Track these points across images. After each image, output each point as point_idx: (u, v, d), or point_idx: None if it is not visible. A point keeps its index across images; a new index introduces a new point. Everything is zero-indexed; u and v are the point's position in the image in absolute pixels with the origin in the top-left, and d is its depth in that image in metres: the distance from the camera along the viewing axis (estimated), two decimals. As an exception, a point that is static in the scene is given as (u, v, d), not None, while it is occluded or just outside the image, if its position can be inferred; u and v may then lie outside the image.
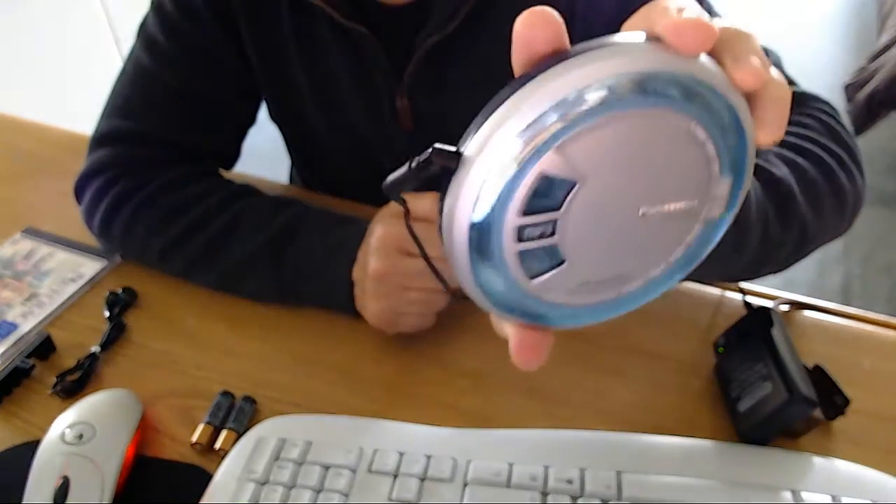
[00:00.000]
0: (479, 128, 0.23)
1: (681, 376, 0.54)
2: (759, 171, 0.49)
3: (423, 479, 0.45)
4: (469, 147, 0.24)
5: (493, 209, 0.24)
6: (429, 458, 0.47)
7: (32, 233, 0.70)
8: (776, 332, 0.50)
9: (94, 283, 0.64)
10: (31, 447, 0.47)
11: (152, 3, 0.65)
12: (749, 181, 0.27)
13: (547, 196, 0.24)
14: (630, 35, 0.24)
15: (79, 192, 0.65)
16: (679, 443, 0.48)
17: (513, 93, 0.23)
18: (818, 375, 0.49)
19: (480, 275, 0.26)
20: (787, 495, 0.44)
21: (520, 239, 0.24)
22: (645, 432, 0.49)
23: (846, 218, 0.56)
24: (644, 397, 0.53)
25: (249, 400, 0.52)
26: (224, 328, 0.59)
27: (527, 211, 0.24)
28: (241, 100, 0.69)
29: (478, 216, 0.24)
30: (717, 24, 0.24)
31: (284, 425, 0.50)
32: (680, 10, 0.24)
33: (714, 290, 0.61)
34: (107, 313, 0.60)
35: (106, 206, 0.62)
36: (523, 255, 0.25)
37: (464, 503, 0.44)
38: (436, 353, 0.56)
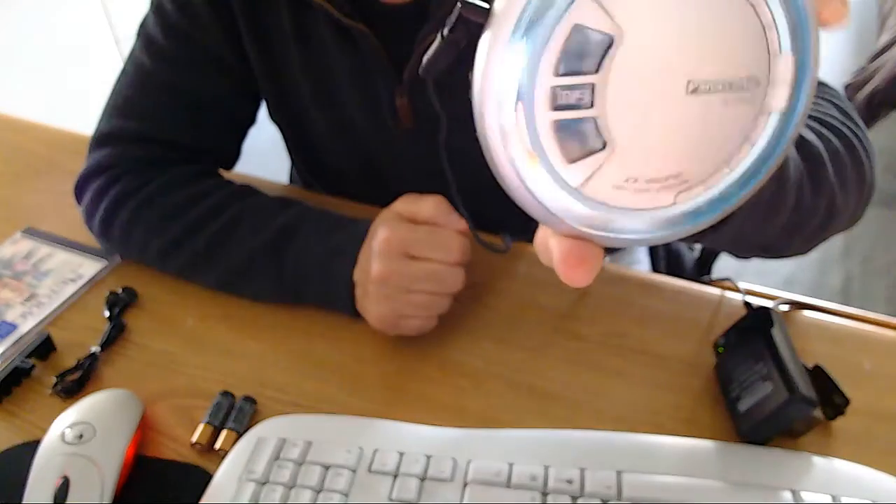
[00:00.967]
0: None
1: (681, 376, 0.54)
2: None
3: (423, 479, 0.45)
4: (499, 0, 0.22)
5: (525, 69, 0.22)
6: (429, 457, 0.47)
7: (32, 233, 0.70)
8: (776, 332, 0.50)
9: (93, 283, 0.64)
10: (32, 447, 0.47)
11: (152, 3, 0.65)
12: (816, 69, 0.24)
13: (583, 56, 0.22)
14: None
15: (79, 192, 0.65)
16: (679, 443, 0.48)
17: None
18: (818, 375, 0.49)
19: (516, 157, 0.23)
20: (787, 495, 0.44)
21: (554, 106, 0.22)
22: (645, 432, 0.49)
23: (864, 197, 0.55)
24: (644, 397, 0.53)
25: (249, 400, 0.52)
26: (224, 328, 0.59)
27: (562, 71, 0.22)
28: (241, 99, 0.69)
29: (509, 78, 0.22)
30: None
31: (284, 425, 0.50)
32: None
33: (714, 290, 0.61)
34: (107, 313, 0.60)
35: (106, 206, 0.62)
36: (560, 131, 0.23)
37: (464, 503, 0.44)
38: (436, 353, 0.56)
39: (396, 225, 0.54)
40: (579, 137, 0.23)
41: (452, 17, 0.24)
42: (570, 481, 0.44)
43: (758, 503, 0.44)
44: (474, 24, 0.23)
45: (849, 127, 0.54)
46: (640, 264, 0.83)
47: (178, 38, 0.63)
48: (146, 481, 0.48)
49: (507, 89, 0.23)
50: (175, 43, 0.64)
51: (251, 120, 0.72)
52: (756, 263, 1.79)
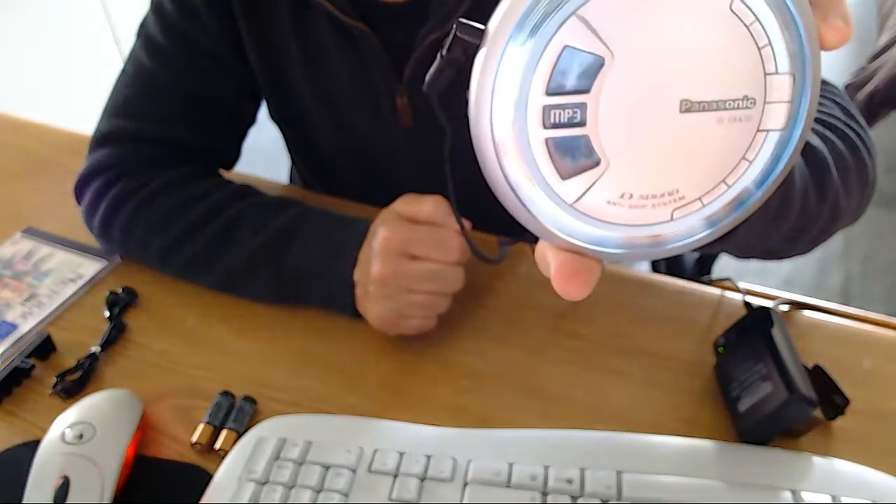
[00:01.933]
0: (501, 1, 0.22)
1: (681, 376, 0.54)
2: None
3: (423, 479, 0.45)
4: (493, 20, 0.23)
5: (516, 88, 0.22)
6: (429, 457, 0.47)
7: (32, 233, 0.70)
8: (776, 332, 0.50)
9: (94, 283, 0.64)
10: (32, 447, 0.47)
11: (152, 2, 0.65)
12: (816, 93, 0.24)
13: (575, 76, 0.22)
14: None
15: (79, 192, 0.65)
16: (679, 443, 0.48)
17: None
18: (818, 375, 0.49)
19: (510, 172, 0.24)
20: (787, 495, 0.44)
21: (546, 124, 0.23)
22: (645, 432, 0.49)
23: (866, 197, 0.55)
24: (644, 397, 0.53)
25: (249, 400, 0.52)
26: (224, 328, 0.59)
27: (552, 90, 0.22)
28: (241, 99, 0.69)
29: (501, 96, 0.23)
30: None
31: (284, 425, 0.50)
32: None
33: (714, 290, 0.61)
34: (107, 313, 0.60)
35: (106, 207, 0.62)
36: (553, 148, 0.23)
37: (464, 503, 0.44)
38: (436, 353, 0.56)
39: (396, 225, 0.54)
40: (572, 154, 0.23)
41: (450, 37, 0.25)
42: (569, 481, 0.44)
43: (758, 503, 0.44)
44: (470, 43, 0.24)
45: (851, 127, 0.54)
46: (640, 264, 0.83)
47: (177, 38, 0.63)
48: (146, 481, 0.48)
49: (499, 107, 0.23)
50: (175, 43, 0.64)
51: (251, 120, 0.72)
52: (756, 263, 1.79)
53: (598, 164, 0.24)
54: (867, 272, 1.76)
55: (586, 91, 0.23)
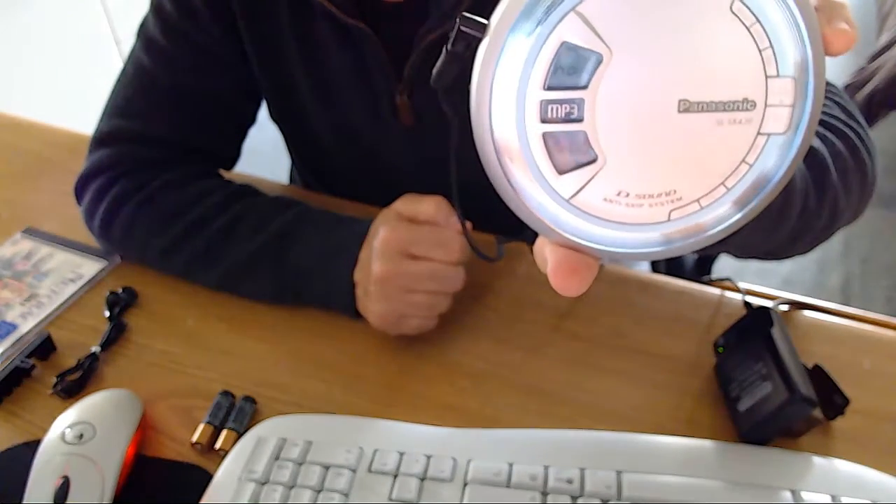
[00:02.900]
0: None
1: (681, 376, 0.54)
2: None
3: (423, 479, 0.45)
4: (495, 14, 0.23)
5: (515, 83, 0.23)
6: (429, 457, 0.47)
7: (32, 233, 0.70)
8: (776, 332, 0.50)
9: (94, 283, 0.64)
10: (32, 447, 0.47)
11: (152, 3, 0.65)
12: (819, 98, 0.24)
13: (573, 72, 0.22)
14: None
15: (79, 192, 0.65)
16: (679, 443, 0.48)
17: None
18: (818, 375, 0.49)
19: (508, 166, 0.24)
20: (787, 495, 0.44)
21: (544, 119, 0.23)
22: (645, 432, 0.49)
23: (865, 196, 0.55)
24: (644, 397, 0.53)
25: (249, 400, 0.52)
26: (224, 328, 0.59)
27: (550, 85, 0.23)
28: (242, 99, 0.69)
29: (500, 90, 0.23)
30: None
31: (284, 425, 0.50)
32: None
33: (714, 290, 0.61)
34: (107, 313, 0.60)
35: (106, 207, 0.62)
36: (550, 143, 0.23)
37: (464, 503, 0.44)
38: (436, 353, 0.56)
39: (397, 225, 0.54)
40: (569, 150, 0.24)
41: (454, 32, 0.25)
42: (570, 481, 0.45)
43: (758, 503, 0.44)
44: (473, 37, 0.24)
45: (851, 127, 0.54)
46: (640, 264, 0.83)
47: (177, 38, 0.63)
48: (146, 481, 0.48)
49: (498, 100, 0.23)
50: (175, 43, 0.64)
51: (251, 120, 0.72)
52: (756, 263, 1.79)
53: (595, 160, 0.24)
54: (867, 272, 1.77)
55: (584, 87, 0.23)
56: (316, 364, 0.56)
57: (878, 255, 1.80)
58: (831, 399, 0.48)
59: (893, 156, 1.99)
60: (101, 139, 0.65)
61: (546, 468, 0.45)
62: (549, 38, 0.22)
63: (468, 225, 0.54)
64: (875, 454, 0.48)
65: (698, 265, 0.93)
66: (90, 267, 0.66)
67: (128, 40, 0.68)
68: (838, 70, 0.57)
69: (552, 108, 0.23)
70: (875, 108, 0.88)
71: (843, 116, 0.54)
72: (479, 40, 0.24)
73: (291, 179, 0.90)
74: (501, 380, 0.54)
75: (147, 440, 0.51)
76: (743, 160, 0.24)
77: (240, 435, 0.50)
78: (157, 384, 0.55)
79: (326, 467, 0.46)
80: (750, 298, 0.58)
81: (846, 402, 0.48)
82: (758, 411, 0.47)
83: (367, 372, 0.55)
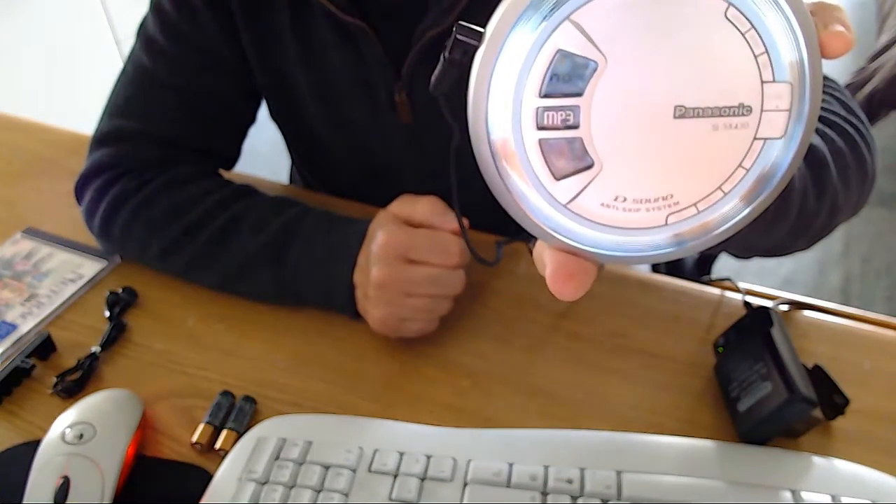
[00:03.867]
0: (499, 4, 0.23)
1: (681, 376, 0.54)
2: None
3: (423, 479, 0.45)
4: (491, 23, 0.23)
5: (511, 90, 0.23)
6: (429, 457, 0.47)
7: (32, 233, 0.70)
8: (776, 332, 0.50)
9: (94, 283, 0.64)
10: (32, 447, 0.47)
11: (151, 3, 0.65)
12: (817, 102, 0.24)
13: (569, 79, 0.23)
14: None
15: (79, 192, 0.65)
16: (679, 442, 0.48)
17: None
18: (818, 375, 0.49)
19: (506, 172, 0.24)
20: (787, 495, 0.44)
21: (540, 126, 0.23)
22: (645, 432, 0.49)
23: (865, 192, 0.55)
24: (644, 397, 0.53)
25: (249, 400, 0.52)
26: (224, 328, 0.59)
27: (546, 93, 0.23)
28: (241, 99, 0.69)
29: (497, 97, 0.23)
30: None
31: (284, 425, 0.50)
32: None
33: (714, 290, 0.61)
34: (107, 313, 0.60)
35: (106, 206, 0.62)
36: (547, 149, 0.24)
37: (464, 503, 0.44)
38: (436, 352, 0.56)
39: (394, 229, 0.54)
40: (566, 156, 0.24)
41: (450, 40, 0.25)
42: (569, 481, 0.45)
43: (758, 503, 0.44)
44: (469, 45, 0.24)
45: (851, 122, 0.53)
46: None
47: (177, 37, 0.63)
48: (146, 481, 0.48)
49: (495, 107, 0.24)
50: (174, 42, 0.64)
51: (251, 119, 0.72)
52: (756, 263, 1.79)
53: (591, 166, 0.24)
54: (867, 272, 1.77)
55: (579, 94, 0.23)
56: (316, 364, 0.56)
57: (878, 255, 1.80)
58: (831, 399, 0.49)
59: (893, 155, 1.99)
60: (102, 139, 0.66)
61: (546, 468, 0.45)
62: (545, 47, 0.22)
63: (465, 224, 0.54)
64: (875, 454, 0.48)
65: (698, 265, 0.93)
66: (90, 267, 0.66)
67: (128, 40, 0.69)
68: (838, 70, 0.57)
69: (548, 115, 0.23)
70: (875, 107, 0.88)
71: (842, 112, 0.54)
72: (476, 48, 0.24)
73: (291, 179, 0.90)
74: (501, 380, 0.54)
75: (147, 440, 0.51)
76: (740, 165, 0.25)
77: (240, 435, 0.50)
78: (157, 384, 0.55)
79: (326, 467, 0.46)
80: (750, 298, 0.58)
81: (846, 402, 0.48)
82: (758, 411, 0.47)
83: (367, 372, 0.55)
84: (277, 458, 0.47)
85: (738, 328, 0.53)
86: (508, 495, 0.44)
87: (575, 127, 0.23)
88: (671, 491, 0.44)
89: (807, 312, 0.59)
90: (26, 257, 0.67)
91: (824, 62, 0.24)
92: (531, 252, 0.29)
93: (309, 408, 0.53)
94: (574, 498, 0.44)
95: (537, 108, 0.23)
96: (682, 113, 0.23)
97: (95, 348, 0.57)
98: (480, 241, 0.62)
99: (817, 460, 0.47)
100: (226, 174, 0.69)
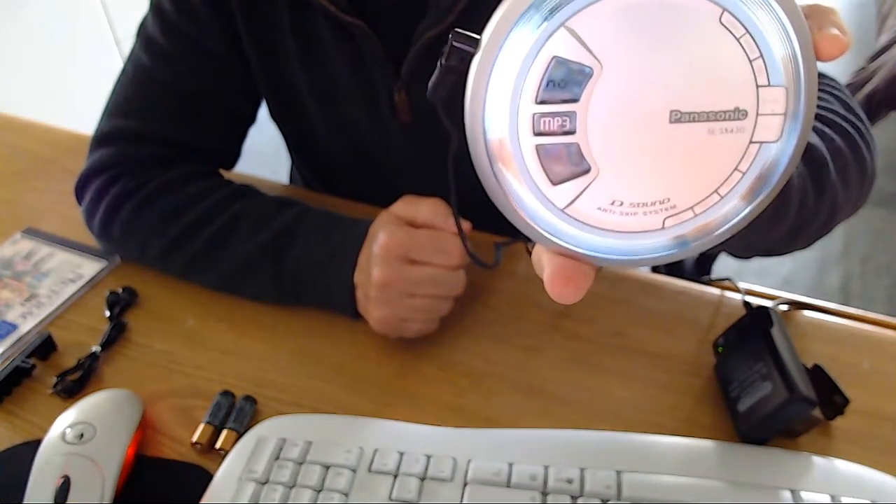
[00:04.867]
0: (495, 10, 0.23)
1: (680, 376, 0.54)
2: None
3: (423, 479, 0.46)
4: (487, 30, 0.23)
5: (507, 96, 0.23)
6: (429, 457, 0.47)
7: (32, 233, 0.70)
8: (776, 332, 0.50)
9: (93, 283, 0.64)
10: (32, 447, 0.47)
11: (151, 3, 0.65)
12: (812, 105, 0.24)
13: (564, 85, 0.23)
14: None
15: (79, 192, 0.65)
16: (679, 442, 0.48)
17: None
18: (817, 375, 0.49)
19: (504, 177, 0.25)
20: (787, 495, 0.44)
21: (537, 132, 0.23)
22: (645, 432, 0.49)
23: (865, 190, 0.55)
24: (644, 397, 0.53)
25: (250, 400, 0.52)
26: (224, 328, 0.59)
27: (542, 99, 0.23)
28: (241, 99, 0.69)
29: (493, 104, 0.23)
30: None
31: (285, 425, 0.50)
32: None
33: (714, 290, 0.61)
34: (107, 313, 0.60)
35: (106, 206, 0.62)
36: (543, 155, 0.24)
37: (464, 503, 0.44)
38: (436, 352, 0.56)
39: (396, 229, 0.54)
40: (563, 161, 0.24)
41: (447, 47, 0.25)
42: (569, 481, 0.45)
43: (757, 503, 0.44)
44: (466, 51, 0.24)
45: (850, 121, 0.53)
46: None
47: (177, 37, 0.63)
48: (147, 481, 0.48)
49: (492, 113, 0.24)
50: (174, 42, 0.64)
51: (251, 119, 0.72)
52: (756, 263, 1.79)
53: (588, 171, 0.24)
54: (866, 272, 1.77)
55: (576, 100, 0.23)
56: (316, 364, 0.56)
57: (877, 255, 1.81)
58: (831, 399, 0.49)
59: (893, 155, 1.99)
60: (101, 139, 0.66)
61: (546, 468, 0.45)
62: (541, 53, 0.23)
63: (467, 227, 0.54)
64: (874, 454, 0.48)
65: (698, 265, 0.93)
66: (90, 267, 0.66)
67: (128, 40, 0.69)
68: (838, 70, 0.57)
69: (545, 121, 0.23)
70: (875, 107, 0.88)
71: (842, 111, 0.54)
72: (472, 54, 0.24)
73: (291, 179, 0.90)
74: (501, 379, 0.54)
75: (147, 440, 0.51)
76: (736, 168, 0.25)
77: (240, 435, 0.50)
78: (157, 384, 0.55)
79: (326, 467, 0.46)
80: (750, 298, 0.58)
81: (846, 401, 0.48)
82: (757, 411, 0.47)
83: (367, 372, 0.55)
84: (277, 457, 0.47)
85: (738, 328, 0.53)
86: (508, 495, 0.44)
87: (571, 132, 0.24)
88: (671, 491, 0.44)
89: (806, 312, 0.59)
90: (26, 257, 0.67)
91: (823, 63, 0.25)
92: (530, 253, 0.29)
93: (309, 408, 0.53)
94: (574, 498, 0.44)
95: (534, 115, 0.23)
96: (677, 117, 0.23)
97: (96, 348, 0.57)
98: (480, 242, 0.62)
99: (817, 460, 0.47)
100: (226, 174, 0.69)
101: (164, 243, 0.61)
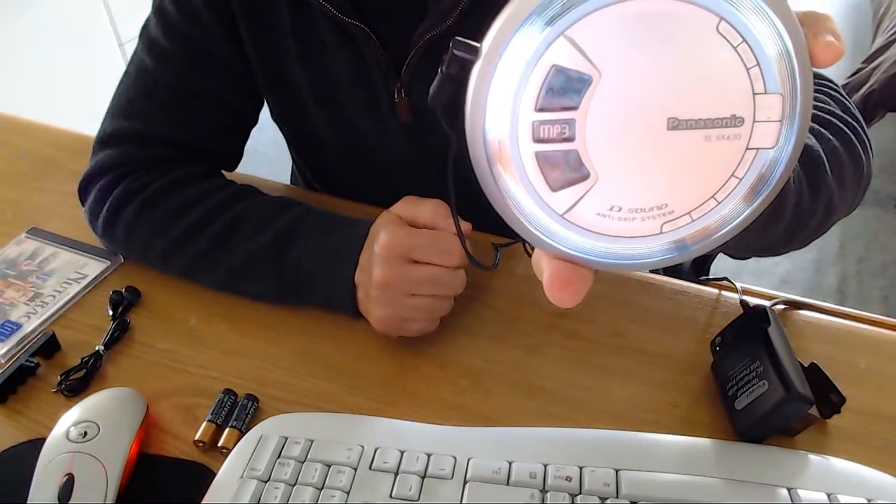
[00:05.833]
0: (496, 18, 0.23)
1: (678, 375, 0.54)
2: None
3: (423, 477, 0.46)
4: (487, 38, 0.23)
5: (507, 104, 0.23)
6: (429, 455, 0.47)
7: (37, 233, 0.70)
8: (773, 331, 0.50)
9: (97, 283, 0.65)
10: (36, 445, 0.48)
11: (154, 5, 0.65)
12: (808, 111, 0.25)
13: (564, 93, 0.23)
14: None
15: (82, 193, 0.66)
16: (677, 441, 0.48)
17: None
18: (814, 374, 0.49)
19: (504, 184, 0.25)
20: (784, 493, 0.44)
21: (536, 139, 0.24)
22: (643, 430, 0.49)
23: (861, 189, 0.56)
24: (642, 396, 0.53)
25: (252, 398, 0.53)
26: (227, 327, 0.60)
27: (542, 107, 0.23)
28: (243, 100, 0.70)
29: (493, 111, 0.24)
30: None
31: (286, 423, 0.50)
32: None
33: (711, 290, 0.61)
34: (111, 312, 0.61)
35: (109, 207, 0.63)
36: (543, 161, 0.24)
37: (464, 502, 0.44)
38: (436, 351, 0.57)
39: (397, 230, 0.54)
40: (562, 168, 0.24)
41: (447, 55, 0.25)
42: (568, 479, 0.45)
43: (755, 502, 0.44)
44: (466, 60, 0.25)
45: (846, 121, 0.54)
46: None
47: (179, 39, 0.64)
48: (150, 479, 0.49)
49: (492, 121, 0.24)
50: (176, 44, 0.64)
51: (253, 120, 0.72)
52: (753, 263, 1.79)
53: (587, 177, 0.25)
54: (863, 272, 1.77)
55: (575, 108, 0.23)
56: (317, 363, 0.56)
57: (873, 255, 1.81)
58: (827, 397, 0.49)
59: (890, 156, 1.99)
60: (104, 140, 0.66)
61: (545, 466, 0.46)
62: (540, 62, 0.23)
63: (467, 228, 0.54)
64: (871, 452, 0.48)
65: (696, 265, 0.93)
66: (94, 267, 0.66)
67: (131, 42, 0.69)
68: (834, 72, 0.58)
69: (544, 129, 0.24)
70: (871, 108, 0.89)
71: (838, 111, 0.54)
72: (472, 63, 0.24)
73: (293, 180, 0.90)
74: (500, 378, 0.55)
75: (150, 438, 0.51)
76: (732, 174, 0.25)
77: (242, 433, 0.50)
78: (160, 383, 0.55)
79: (328, 465, 0.47)
80: (747, 298, 0.58)
81: (842, 400, 0.49)
82: (754, 409, 0.47)
83: (367, 371, 0.56)
84: (279, 456, 0.47)
85: (736, 327, 0.54)
86: (508, 493, 0.45)
87: (570, 139, 0.24)
88: (669, 489, 0.44)
89: (803, 312, 0.59)
90: (31, 257, 0.68)
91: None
92: (529, 254, 0.29)
93: (310, 406, 0.53)
94: (573, 496, 0.44)
95: (533, 122, 0.24)
96: (675, 125, 0.24)
97: (99, 347, 0.57)
98: (480, 243, 0.63)
99: (814, 458, 0.47)
100: (228, 174, 0.69)
101: (166, 244, 0.61)
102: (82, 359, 0.56)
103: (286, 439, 0.48)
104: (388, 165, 0.70)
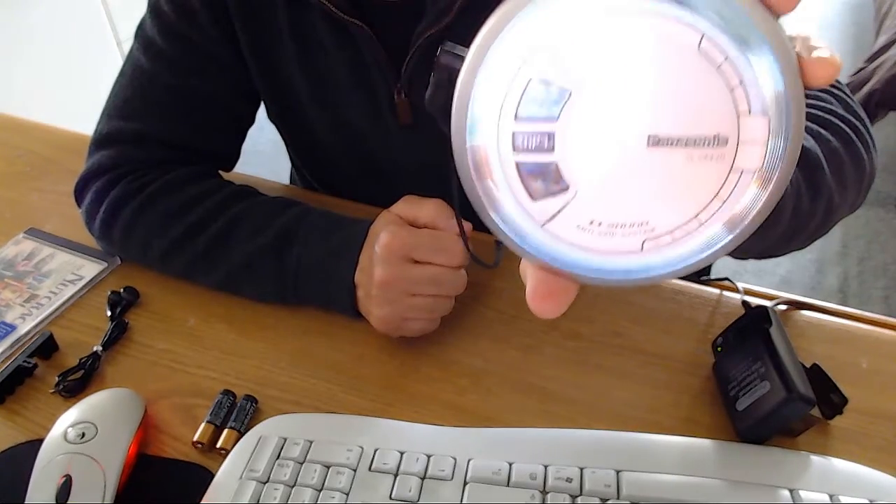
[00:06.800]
0: (481, 27, 0.23)
1: (679, 375, 0.54)
2: None
3: (423, 478, 0.46)
4: (472, 46, 0.23)
5: (488, 114, 0.24)
6: (429, 456, 0.47)
7: (34, 234, 0.70)
8: (774, 332, 0.50)
9: (93, 284, 0.64)
10: (34, 446, 0.48)
11: (150, 4, 0.65)
12: (799, 135, 0.23)
13: (542, 106, 0.23)
14: None
15: (79, 194, 0.65)
16: (678, 442, 0.48)
17: None
18: (816, 374, 0.49)
19: (488, 190, 0.25)
20: (786, 494, 0.44)
21: (516, 149, 0.24)
22: (644, 431, 0.49)
23: (863, 189, 0.55)
24: (643, 396, 0.53)
25: (251, 399, 0.53)
26: (225, 328, 0.60)
27: (521, 118, 0.23)
28: (240, 100, 0.69)
29: (476, 119, 0.24)
30: None
31: (286, 424, 0.50)
32: None
33: (712, 290, 0.61)
34: (109, 313, 0.60)
35: (106, 209, 0.62)
36: (523, 171, 0.24)
37: (464, 502, 0.44)
38: (436, 352, 0.57)
39: (397, 229, 0.54)
40: (542, 178, 0.24)
41: (435, 63, 0.26)
42: (569, 480, 0.45)
43: (756, 503, 0.44)
44: (453, 68, 0.25)
45: (848, 121, 0.53)
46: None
47: (175, 38, 0.64)
48: (148, 480, 0.48)
49: (475, 129, 0.24)
50: (172, 44, 0.64)
51: (250, 120, 0.72)
52: (754, 263, 1.79)
53: (567, 189, 0.24)
54: (864, 272, 1.77)
55: (555, 120, 0.23)
56: (316, 363, 0.56)
57: (875, 256, 1.81)
58: (829, 398, 0.49)
59: (890, 155, 1.99)
60: (101, 141, 0.66)
61: (545, 467, 0.46)
62: (519, 73, 0.23)
63: (469, 227, 0.54)
64: (873, 453, 0.48)
65: (697, 265, 0.93)
66: (91, 268, 0.66)
67: (129, 41, 0.69)
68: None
69: (524, 139, 0.24)
70: (873, 107, 0.89)
71: (840, 110, 0.54)
72: (458, 71, 0.24)
73: (292, 180, 0.90)
74: (501, 379, 0.55)
75: (149, 439, 0.51)
76: (716, 195, 0.24)
77: (241, 434, 0.50)
78: (158, 383, 0.55)
79: (327, 466, 0.47)
80: (748, 298, 0.58)
81: (844, 401, 0.48)
82: (756, 410, 0.47)
83: (367, 371, 0.56)
84: (278, 457, 0.47)
85: (737, 328, 0.53)
86: (508, 494, 0.44)
87: (550, 151, 0.24)
88: (670, 490, 0.44)
89: (805, 312, 0.59)
90: (28, 258, 0.67)
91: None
92: None
93: (310, 407, 0.53)
94: (573, 497, 0.44)
95: (514, 133, 0.24)
96: (655, 142, 0.23)
97: (97, 348, 0.57)
98: (481, 242, 0.63)
99: (815, 459, 0.47)
100: (226, 175, 0.69)
101: (164, 245, 0.61)
102: (80, 359, 0.56)
103: (285, 440, 0.48)
104: (387, 166, 0.70)
